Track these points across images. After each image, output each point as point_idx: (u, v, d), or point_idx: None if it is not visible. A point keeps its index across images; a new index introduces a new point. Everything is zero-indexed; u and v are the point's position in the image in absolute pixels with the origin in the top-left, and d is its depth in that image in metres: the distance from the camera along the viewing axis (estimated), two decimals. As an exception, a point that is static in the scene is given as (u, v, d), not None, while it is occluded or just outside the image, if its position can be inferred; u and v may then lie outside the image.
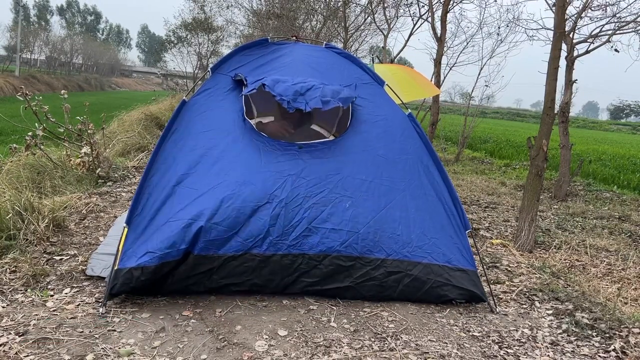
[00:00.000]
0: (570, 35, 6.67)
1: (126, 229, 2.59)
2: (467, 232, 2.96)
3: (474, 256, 3.00)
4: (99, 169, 5.36)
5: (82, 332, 2.26)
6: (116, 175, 5.62)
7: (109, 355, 2.09)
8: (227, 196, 2.66)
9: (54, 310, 2.45)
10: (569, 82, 6.67)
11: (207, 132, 2.89)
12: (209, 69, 3.19)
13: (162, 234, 2.55)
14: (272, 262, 2.63)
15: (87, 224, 3.90)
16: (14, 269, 2.85)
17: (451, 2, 8.72)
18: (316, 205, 2.74)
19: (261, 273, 2.64)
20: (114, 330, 2.29)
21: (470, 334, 2.55)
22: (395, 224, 2.82)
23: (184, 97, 2.98)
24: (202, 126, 2.91)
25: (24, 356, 2.04)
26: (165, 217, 2.62)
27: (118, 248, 2.56)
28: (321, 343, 2.32)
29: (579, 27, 6.98)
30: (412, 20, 11.54)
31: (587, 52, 6.92)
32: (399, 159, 3.04)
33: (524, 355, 2.38)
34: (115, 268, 2.49)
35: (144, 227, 2.60)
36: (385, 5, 12.39)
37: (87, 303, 2.56)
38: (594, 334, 2.62)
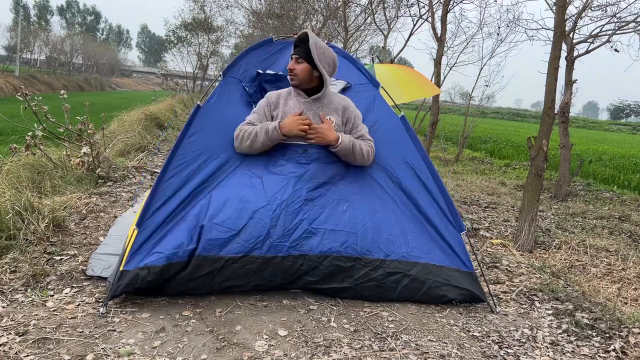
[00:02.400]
0: (570, 35, 6.68)
1: (135, 232, 2.59)
2: (462, 233, 2.96)
3: (474, 256, 3.00)
4: (99, 169, 5.36)
5: (82, 332, 2.26)
6: (116, 175, 5.62)
7: (109, 355, 2.09)
8: (229, 198, 2.68)
9: (54, 310, 2.45)
10: (569, 82, 6.67)
11: (222, 139, 2.91)
12: (221, 73, 3.20)
13: (170, 235, 2.57)
14: (273, 264, 2.63)
15: (87, 224, 3.90)
16: (14, 269, 2.85)
17: (451, 2, 8.72)
18: (315, 208, 2.75)
19: (262, 275, 2.65)
20: (114, 330, 2.29)
21: (470, 334, 2.55)
22: (391, 226, 2.83)
23: (199, 102, 2.97)
24: (217, 132, 2.93)
25: (24, 356, 2.04)
26: (175, 220, 2.65)
27: (125, 250, 2.56)
28: (321, 343, 2.32)
29: (579, 27, 6.99)
30: (412, 20, 11.57)
31: (587, 52, 6.92)
32: (393, 162, 3.05)
33: (524, 355, 2.38)
34: (121, 269, 2.48)
35: (153, 230, 2.61)
36: (386, 5, 12.41)
37: (87, 303, 2.56)
38: (594, 334, 2.62)
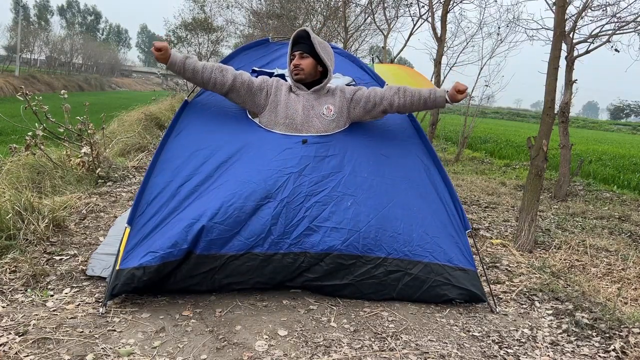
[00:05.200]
0: (570, 35, 6.68)
1: (128, 230, 2.59)
2: (467, 232, 2.97)
3: (474, 256, 3.00)
4: (99, 169, 5.36)
5: (82, 332, 2.26)
6: (116, 175, 5.62)
7: (109, 355, 2.09)
8: (229, 195, 2.65)
9: (54, 310, 2.45)
10: (569, 82, 6.67)
11: (210, 133, 2.89)
12: None
13: (164, 234, 2.55)
14: (274, 260, 2.63)
15: (87, 224, 3.90)
16: (14, 269, 2.85)
17: (451, 2, 8.72)
18: (318, 204, 2.73)
19: (263, 272, 2.65)
20: (114, 330, 2.29)
21: (470, 334, 2.55)
22: (397, 222, 2.82)
23: (186, 98, 2.98)
24: (205, 126, 2.92)
25: (24, 356, 2.04)
26: (168, 217, 2.63)
27: (119, 249, 2.56)
28: (321, 343, 2.32)
29: (579, 27, 7.00)
30: (412, 20, 11.58)
31: (587, 52, 6.92)
32: (401, 158, 3.04)
33: (524, 355, 2.38)
34: (117, 268, 2.48)
35: (145, 227, 2.60)
36: (385, 5, 12.42)
37: (87, 303, 2.56)
38: (594, 334, 2.62)
